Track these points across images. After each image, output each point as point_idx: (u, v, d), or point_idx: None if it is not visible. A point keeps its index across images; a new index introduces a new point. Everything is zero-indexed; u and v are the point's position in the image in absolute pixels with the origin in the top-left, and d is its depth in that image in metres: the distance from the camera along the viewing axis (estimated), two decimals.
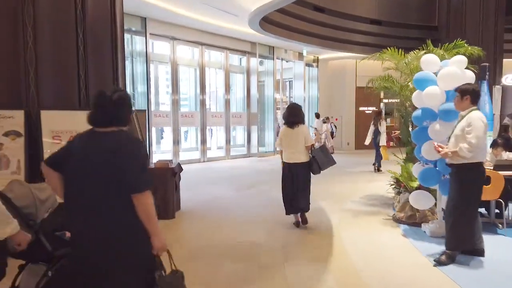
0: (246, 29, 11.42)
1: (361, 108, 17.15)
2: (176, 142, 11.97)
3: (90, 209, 1.91)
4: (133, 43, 10.80)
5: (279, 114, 14.87)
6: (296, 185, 4.94)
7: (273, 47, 14.18)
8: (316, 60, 16.63)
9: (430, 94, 4.41)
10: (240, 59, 14.97)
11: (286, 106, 6.14)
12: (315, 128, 14.31)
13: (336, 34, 13.18)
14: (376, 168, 10.34)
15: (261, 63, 14.42)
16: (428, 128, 4.47)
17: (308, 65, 16.40)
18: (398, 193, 5.83)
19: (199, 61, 12.57)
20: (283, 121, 5.18)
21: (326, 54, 16.06)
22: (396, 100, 6.68)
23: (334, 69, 17.20)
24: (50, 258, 2.17)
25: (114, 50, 4.89)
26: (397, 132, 8.02)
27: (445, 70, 4.46)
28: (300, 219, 5.08)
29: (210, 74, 14.60)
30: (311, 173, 5.01)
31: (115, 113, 1.98)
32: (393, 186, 6.08)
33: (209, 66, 13.97)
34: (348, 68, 16.92)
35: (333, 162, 5.11)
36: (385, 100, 19.89)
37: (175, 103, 11.95)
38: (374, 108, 17.92)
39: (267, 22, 10.77)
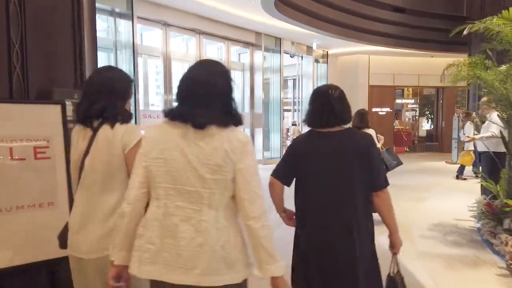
0: (251, 14, 9.63)
1: (374, 109, 15.44)
2: None
3: (335, 206, 1.91)
4: (117, 32, 8.95)
5: (289, 116, 13.11)
6: None
7: (280, 39, 12.40)
8: (326, 55, 14.88)
9: None
10: (240, 55, 13.20)
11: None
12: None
13: (355, 22, 11.43)
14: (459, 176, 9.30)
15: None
16: None
17: (315, 61, 14.65)
18: (493, 222, 4.10)
19: (196, 54, 10.72)
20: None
21: (337, 49, 14.34)
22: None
23: (344, 66, 15.46)
24: None
25: (76, 32, 3.16)
26: (472, 136, 6.59)
27: None
28: None
29: None
30: None
31: (341, 111, 1.97)
32: (482, 212, 4.34)
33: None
34: (361, 65, 15.24)
35: (400, 163, 5.21)
36: (398, 101, 18.38)
37: (168, 104, 10.09)
38: (388, 109, 16.34)
39: (283, 2, 8.99)
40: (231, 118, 1.48)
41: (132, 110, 8.75)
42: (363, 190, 1.90)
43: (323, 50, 14.59)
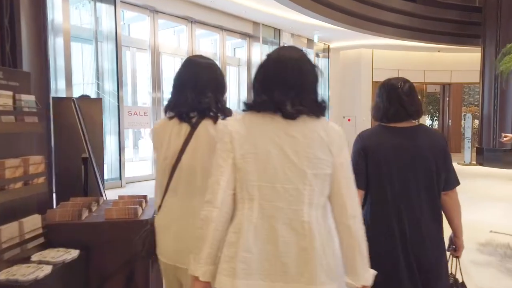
0: (248, 0, 8.60)
1: None
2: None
3: (414, 207, 1.79)
4: (98, 20, 7.85)
5: None
6: None
7: (280, 30, 11.36)
8: (327, 49, 13.88)
9: None
10: (235, 49, 12.15)
11: None
12: None
13: (362, 9, 10.43)
14: None
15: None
16: None
17: (316, 55, 13.65)
18: None
19: (188, 47, 9.64)
20: None
21: (338, 42, 13.37)
22: None
23: (347, 60, 14.48)
24: None
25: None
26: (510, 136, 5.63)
27: None
28: None
29: None
30: None
31: (411, 106, 1.83)
32: None
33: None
34: (364, 60, 14.29)
35: None
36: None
37: (156, 102, 9.00)
38: None
39: None
40: (321, 107, 1.32)
41: (115, 107, 7.60)
42: (431, 191, 1.81)
43: (324, 44, 13.59)
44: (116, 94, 7.90)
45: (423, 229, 1.76)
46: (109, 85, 7.95)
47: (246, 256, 1.23)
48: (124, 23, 14.85)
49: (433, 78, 15.74)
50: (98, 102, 4.19)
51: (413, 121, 1.87)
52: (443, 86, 16.41)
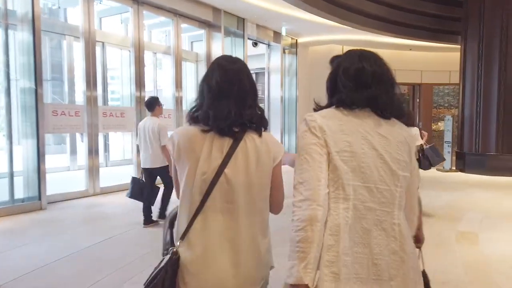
0: None
1: None
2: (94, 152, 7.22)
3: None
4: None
5: None
6: None
7: (244, 19, 9.80)
8: (295, 45, 12.51)
9: None
10: (193, 43, 10.49)
11: None
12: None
13: None
14: None
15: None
16: None
17: (283, 51, 12.23)
18: None
19: (134, 37, 7.82)
20: None
21: (308, 37, 12.07)
22: None
23: (315, 57, 13.18)
24: None
25: None
26: None
27: None
28: None
29: (156, 60, 9.92)
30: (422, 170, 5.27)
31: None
32: None
33: (151, 48, 9.38)
34: None
35: (443, 159, 6.29)
36: None
37: (92, 101, 7.13)
38: None
39: None
40: (402, 110, 1.36)
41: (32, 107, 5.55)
42: None
43: (291, 38, 12.21)
44: (34, 91, 5.98)
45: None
46: (25, 81, 6.02)
47: (347, 260, 1.17)
48: (59, 7, 12.72)
49: (404, 78, 14.94)
50: None
51: None
52: (413, 87, 15.66)
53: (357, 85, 1.25)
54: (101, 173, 7.34)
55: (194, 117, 1.43)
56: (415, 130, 5.51)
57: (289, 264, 1.14)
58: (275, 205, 1.50)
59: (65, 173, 9.91)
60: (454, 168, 10.71)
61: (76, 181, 7.53)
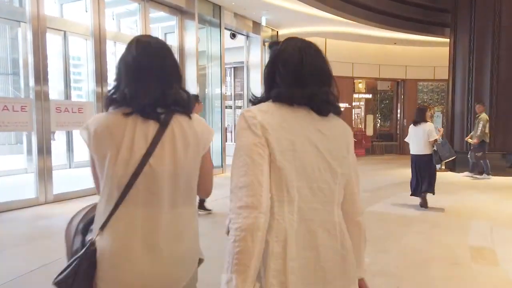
0: None
1: None
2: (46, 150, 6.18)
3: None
4: None
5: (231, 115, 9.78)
6: (419, 172, 5.76)
7: (220, 7, 8.92)
8: (275, 37, 11.72)
9: None
10: (166, 35, 9.55)
11: None
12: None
13: None
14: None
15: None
16: None
17: (263, 43, 11.43)
18: None
19: (94, 23, 6.83)
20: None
21: (289, 28, 11.32)
22: None
23: None
24: None
25: None
26: None
27: None
28: (422, 201, 5.81)
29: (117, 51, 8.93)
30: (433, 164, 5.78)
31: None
32: None
33: (117, 39, 8.42)
34: None
35: (454, 155, 6.05)
36: (356, 95, 15.93)
37: (40, 96, 6.12)
38: (346, 105, 13.77)
39: None
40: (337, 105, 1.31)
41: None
42: None
43: (272, 29, 11.42)
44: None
45: None
46: None
47: (294, 266, 1.12)
48: None
49: (388, 73, 14.43)
50: None
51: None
52: (397, 82, 15.16)
53: (296, 80, 1.17)
54: (62, 176, 6.32)
55: (112, 100, 1.31)
56: (429, 126, 5.64)
57: (225, 278, 1.02)
58: (203, 193, 1.47)
59: (21, 176, 8.78)
60: (443, 167, 10.18)
61: (32, 186, 6.48)
